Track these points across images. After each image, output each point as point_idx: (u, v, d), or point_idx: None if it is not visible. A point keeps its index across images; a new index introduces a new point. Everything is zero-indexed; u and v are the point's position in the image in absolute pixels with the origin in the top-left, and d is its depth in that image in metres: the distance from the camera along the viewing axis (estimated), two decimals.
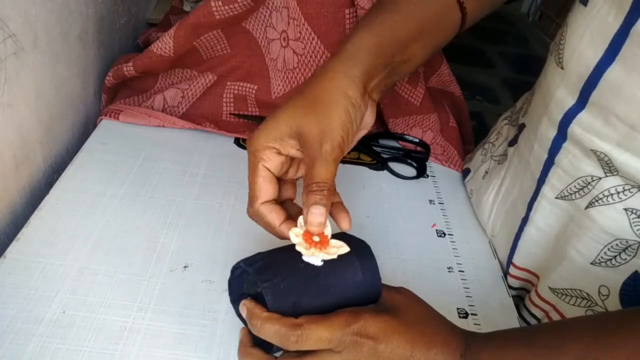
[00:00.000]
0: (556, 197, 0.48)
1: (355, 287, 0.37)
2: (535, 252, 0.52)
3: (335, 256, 0.37)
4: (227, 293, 0.47)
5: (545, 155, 0.48)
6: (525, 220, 0.52)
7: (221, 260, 0.51)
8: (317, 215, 0.36)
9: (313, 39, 0.62)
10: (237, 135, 0.68)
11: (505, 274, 0.56)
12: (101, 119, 0.66)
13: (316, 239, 0.37)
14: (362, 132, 0.43)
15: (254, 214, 0.40)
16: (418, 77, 0.73)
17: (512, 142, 0.57)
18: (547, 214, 0.49)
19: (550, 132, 0.47)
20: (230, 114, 0.71)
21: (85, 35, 0.66)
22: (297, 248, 0.37)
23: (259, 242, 0.53)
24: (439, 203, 0.64)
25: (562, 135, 0.46)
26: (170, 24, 0.88)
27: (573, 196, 0.46)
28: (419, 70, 0.73)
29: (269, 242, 0.43)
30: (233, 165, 0.63)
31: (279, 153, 0.39)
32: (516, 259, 0.54)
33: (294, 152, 0.39)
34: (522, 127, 0.55)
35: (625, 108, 0.39)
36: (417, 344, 0.35)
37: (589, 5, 0.42)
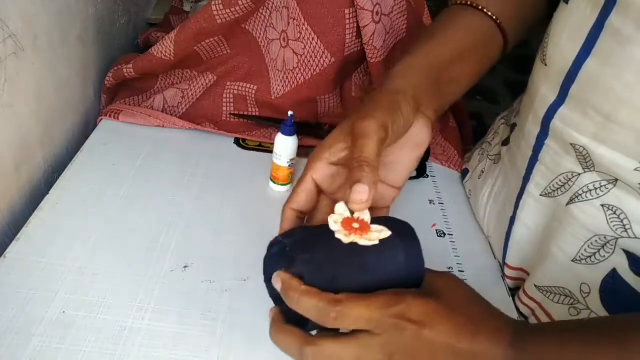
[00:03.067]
0: (540, 195, 0.48)
1: (396, 267, 0.35)
2: (525, 250, 0.52)
3: (377, 242, 0.34)
4: (227, 293, 0.47)
5: (530, 153, 0.49)
6: (513, 219, 0.52)
7: (221, 260, 0.51)
8: (359, 193, 0.35)
9: (313, 39, 0.62)
10: (237, 136, 0.68)
11: (502, 274, 0.56)
12: (101, 119, 0.66)
13: (356, 225, 0.35)
14: (418, 151, 0.43)
15: (282, 211, 0.41)
16: None
17: (505, 142, 0.57)
18: (532, 212, 0.50)
19: (535, 130, 0.48)
20: (230, 114, 0.71)
21: (85, 35, 0.66)
22: (337, 235, 0.34)
23: (258, 242, 0.53)
24: (439, 203, 0.64)
25: (545, 132, 0.46)
26: (170, 24, 0.88)
27: (555, 193, 0.47)
28: None
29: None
30: (233, 165, 0.63)
31: (331, 163, 0.39)
32: (509, 259, 0.54)
33: (342, 155, 0.39)
34: (514, 126, 0.55)
35: (600, 99, 0.40)
36: (463, 330, 0.33)
37: (570, 2, 0.44)
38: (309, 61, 0.63)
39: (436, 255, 0.56)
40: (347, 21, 0.61)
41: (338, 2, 0.60)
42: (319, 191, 0.40)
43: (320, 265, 0.34)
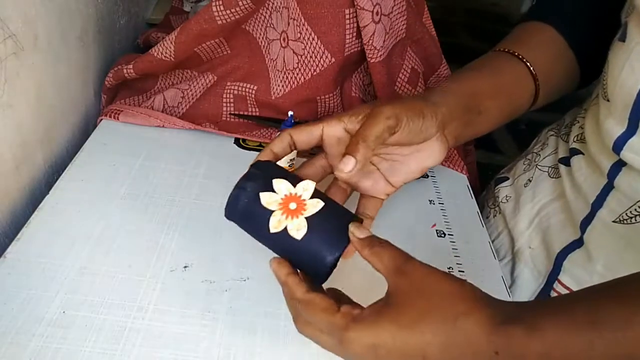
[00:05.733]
0: (613, 221, 0.48)
1: (310, 254, 0.37)
2: (582, 277, 0.52)
3: (299, 239, 0.37)
4: (227, 293, 0.48)
5: (605, 180, 0.48)
6: (578, 243, 0.52)
7: (221, 260, 0.51)
8: (345, 164, 0.38)
9: (313, 39, 0.62)
10: (237, 136, 0.68)
11: (549, 288, 0.56)
12: (101, 119, 0.66)
13: (293, 205, 0.38)
14: (425, 164, 0.45)
15: (279, 133, 0.44)
16: (417, 78, 0.73)
17: (565, 162, 0.57)
18: (599, 238, 0.49)
19: (607, 158, 0.48)
20: (230, 114, 0.71)
21: (85, 35, 0.66)
22: (270, 222, 0.37)
23: (258, 242, 0.53)
24: (439, 203, 0.64)
25: (619, 160, 0.46)
26: (170, 24, 0.88)
27: (634, 220, 0.46)
28: (419, 71, 0.73)
29: None
30: (233, 165, 0.63)
31: (344, 129, 0.42)
32: (563, 277, 0.54)
33: (357, 127, 0.41)
34: (573, 151, 0.55)
35: None
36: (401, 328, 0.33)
37: (627, 40, 0.44)
38: (309, 61, 0.63)
39: (436, 255, 0.56)
40: (347, 21, 0.61)
41: (338, 2, 0.60)
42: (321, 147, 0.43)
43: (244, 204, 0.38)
